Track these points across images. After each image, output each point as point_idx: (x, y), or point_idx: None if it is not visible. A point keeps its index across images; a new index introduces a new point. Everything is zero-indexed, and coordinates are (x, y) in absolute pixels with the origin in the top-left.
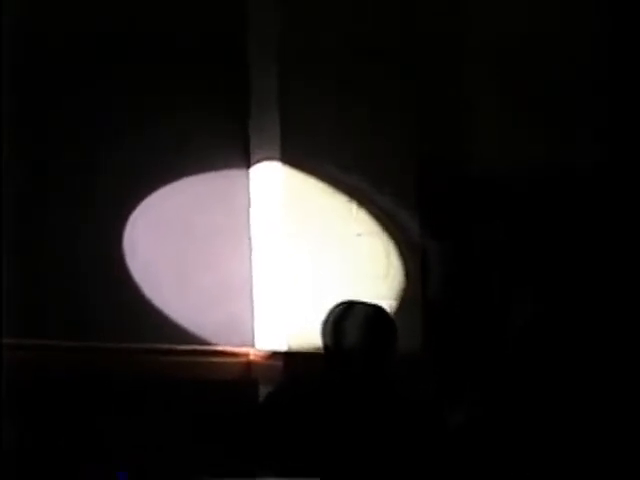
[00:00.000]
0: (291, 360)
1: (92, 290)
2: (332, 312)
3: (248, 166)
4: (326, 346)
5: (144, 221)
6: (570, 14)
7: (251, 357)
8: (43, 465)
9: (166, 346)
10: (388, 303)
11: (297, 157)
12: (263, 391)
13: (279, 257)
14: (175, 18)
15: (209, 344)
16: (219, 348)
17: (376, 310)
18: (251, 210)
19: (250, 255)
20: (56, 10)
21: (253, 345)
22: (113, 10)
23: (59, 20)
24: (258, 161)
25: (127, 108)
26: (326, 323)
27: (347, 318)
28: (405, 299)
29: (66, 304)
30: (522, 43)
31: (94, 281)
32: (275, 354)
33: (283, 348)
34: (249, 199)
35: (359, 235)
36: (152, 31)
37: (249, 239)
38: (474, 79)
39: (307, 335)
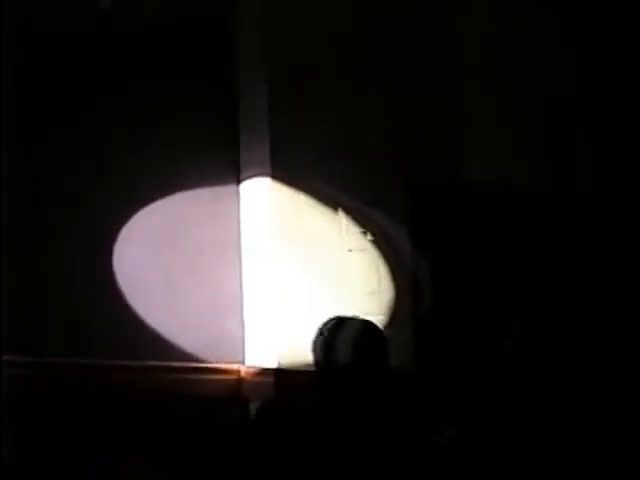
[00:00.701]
0: (282, 377)
1: (83, 307)
2: (323, 328)
3: (238, 182)
4: (317, 362)
5: (134, 237)
6: (570, 30)
7: (242, 374)
8: None
9: (156, 363)
10: (379, 318)
11: (287, 173)
12: (254, 408)
13: (269, 273)
14: (164, 33)
15: (199, 361)
16: (209, 365)
17: (367, 325)
18: (241, 226)
19: (240, 271)
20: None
21: (243, 362)
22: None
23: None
24: (248, 177)
25: (116, 125)
26: (317, 339)
27: (338, 334)
28: (396, 314)
29: (59, 320)
30: (519, 59)
31: (85, 297)
32: (266, 371)
33: (274, 365)
34: (239, 215)
35: (349, 251)
36: (141, 46)
37: (239, 255)
38: (468, 95)
39: (298, 351)
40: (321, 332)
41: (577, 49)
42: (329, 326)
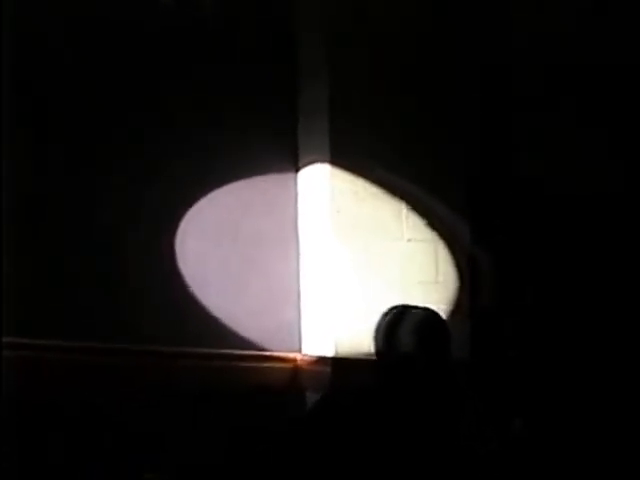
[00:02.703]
0: (339, 366)
1: (142, 295)
2: (385, 317)
3: (297, 169)
4: (378, 350)
5: (194, 226)
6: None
7: (299, 362)
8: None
9: (214, 351)
10: (437, 309)
11: (346, 160)
12: (310, 397)
13: (327, 262)
14: (225, 20)
15: (257, 349)
16: (267, 353)
17: (430, 314)
18: (299, 214)
19: (298, 260)
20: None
21: (301, 351)
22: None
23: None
24: (307, 164)
25: (175, 113)
26: (379, 328)
27: (401, 322)
28: (454, 305)
29: (119, 309)
30: (567, 60)
31: (145, 286)
32: (323, 360)
33: (331, 354)
34: (297, 203)
35: (409, 240)
36: (202, 32)
37: (297, 244)
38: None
39: (355, 341)
40: (383, 320)
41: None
42: (392, 314)
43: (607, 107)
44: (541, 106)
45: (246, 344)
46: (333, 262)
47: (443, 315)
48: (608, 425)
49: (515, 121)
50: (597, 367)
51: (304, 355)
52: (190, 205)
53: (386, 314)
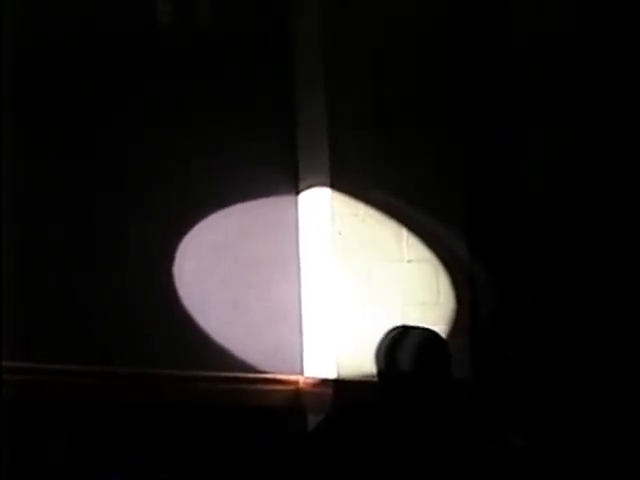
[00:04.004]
0: (341, 388)
1: (142, 317)
2: (386, 337)
3: (297, 192)
4: (380, 370)
5: (194, 248)
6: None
7: (300, 385)
8: None
9: (214, 373)
10: (437, 329)
11: (346, 183)
12: (312, 419)
13: (328, 283)
14: (223, 48)
15: (258, 371)
16: (268, 376)
17: (431, 335)
18: (300, 236)
19: (299, 281)
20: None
21: (302, 372)
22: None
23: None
24: (307, 187)
25: (175, 134)
26: (380, 348)
27: (402, 343)
28: (454, 325)
29: (117, 331)
30: (568, 74)
31: (145, 308)
32: (324, 381)
33: (333, 375)
34: (298, 226)
35: (409, 261)
36: (200, 59)
37: (298, 266)
38: (521, 109)
39: (357, 362)
40: (385, 340)
41: None
42: (393, 335)
43: (608, 118)
44: (541, 121)
45: (247, 366)
46: (334, 284)
47: (444, 335)
48: (612, 440)
49: (515, 136)
50: (599, 382)
51: (306, 377)
52: (190, 227)
53: (387, 335)
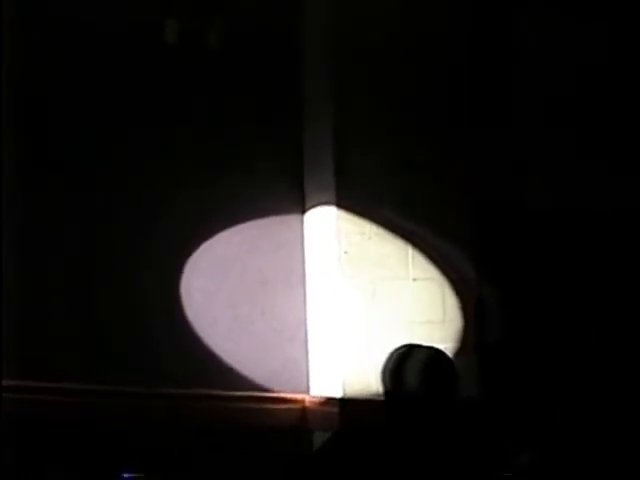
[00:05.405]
0: (347, 406)
1: (150, 335)
2: (392, 356)
3: (303, 211)
4: (386, 389)
5: (200, 267)
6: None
7: (306, 403)
8: None
9: (221, 392)
10: (444, 348)
11: (352, 201)
12: (318, 438)
13: (334, 302)
14: (231, 66)
15: (264, 390)
16: (274, 394)
17: (437, 353)
18: (306, 255)
19: (305, 300)
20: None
21: (308, 391)
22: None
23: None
24: (313, 206)
25: (182, 157)
26: (386, 367)
27: (408, 362)
28: (461, 344)
29: (125, 350)
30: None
31: (151, 327)
32: (330, 400)
33: (339, 394)
34: (304, 244)
35: (415, 280)
36: (206, 79)
37: (304, 284)
38: (525, 122)
39: (363, 381)
40: (391, 359)
41: None
42: (399, 353)
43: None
44: (551, 139)
45: (253, 384)
46: (340, 302)
47: (450, 354)
48: (622, 460)
49: (524, 154)
50: (608, 400)
51: (312, 396)
52: (197, 246)
53: (393, 353)
